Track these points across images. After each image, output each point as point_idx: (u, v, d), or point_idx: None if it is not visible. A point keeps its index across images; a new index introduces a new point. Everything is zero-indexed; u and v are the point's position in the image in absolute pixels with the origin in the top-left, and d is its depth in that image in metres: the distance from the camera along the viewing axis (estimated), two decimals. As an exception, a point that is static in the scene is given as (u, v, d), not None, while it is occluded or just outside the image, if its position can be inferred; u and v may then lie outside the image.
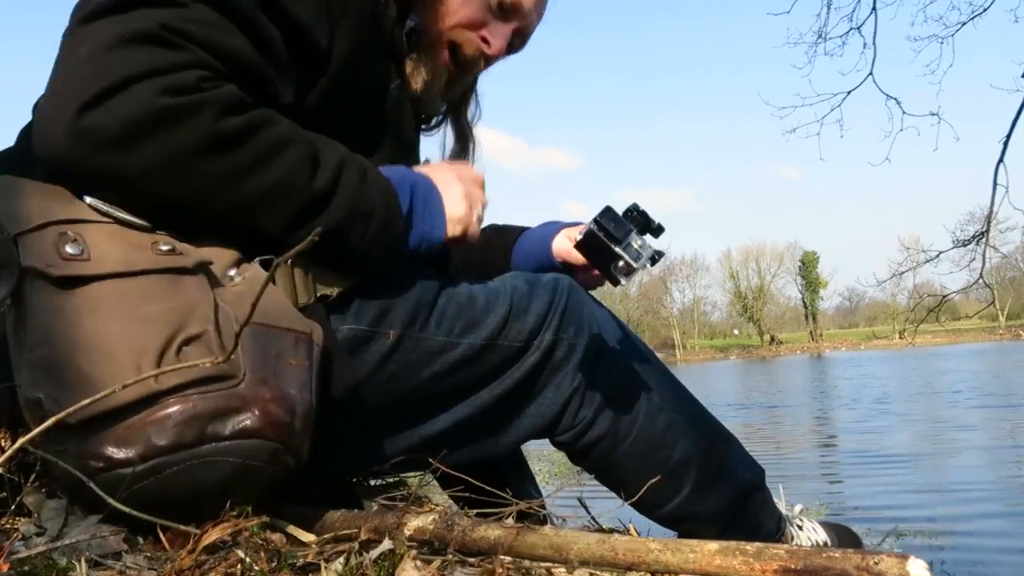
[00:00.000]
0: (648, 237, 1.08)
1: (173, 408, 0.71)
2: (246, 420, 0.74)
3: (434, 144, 1.31)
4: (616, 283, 1.07)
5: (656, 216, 1.10)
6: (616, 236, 1.04)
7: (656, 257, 1.05)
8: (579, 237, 1.05)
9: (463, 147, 1.29)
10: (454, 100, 1.25)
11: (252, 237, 0.87)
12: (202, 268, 0.82)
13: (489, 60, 1.16)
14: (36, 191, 0.81)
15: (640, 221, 1.07)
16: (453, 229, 1.01)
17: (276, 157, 0.84)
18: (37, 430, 0.65)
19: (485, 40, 1.13)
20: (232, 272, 0.84)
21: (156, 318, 0.75)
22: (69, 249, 0.76)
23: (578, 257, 1.16)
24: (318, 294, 0.92)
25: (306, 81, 0.94)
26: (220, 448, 0.73)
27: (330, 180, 0.88)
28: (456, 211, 1.01)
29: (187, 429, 0.71)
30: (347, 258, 0.93)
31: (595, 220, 1.04)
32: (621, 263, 1.03)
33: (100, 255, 0.77)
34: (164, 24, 0.78)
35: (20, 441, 0.64)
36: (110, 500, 0.69)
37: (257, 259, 0.87)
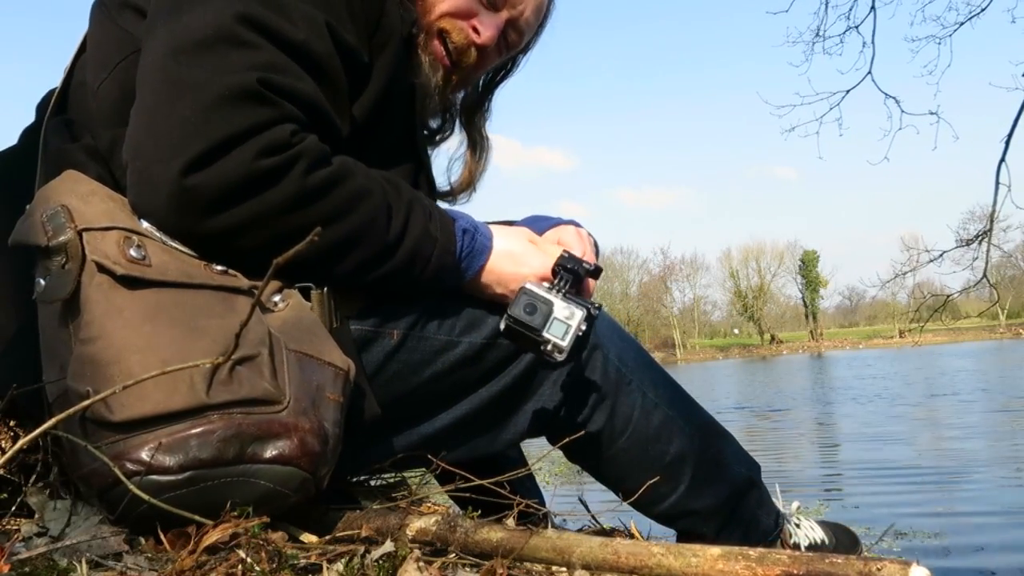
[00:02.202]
0: (586, 285, 1.04)
1: (218, 424, 0.72)
2: (285, 447, 0.75)
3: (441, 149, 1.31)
4: (553, 361, 0.99)
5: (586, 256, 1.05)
6: (533, 325, 0.97)
7: (592, 314, 0.99)
8: (501, 328, 0.99)
9: (473, 153, 1.29)
10: (452, 98, 1.25)
11: (318, 278, 0.89)
12: (253, 291, 0.83)
13: (482, 52, 1.15)
14: (104, 195, 0.83)
15: (567, 278, 1.02)
16: (490, 288, 1.03)
17: (355, 209, 0.87)
18: (56, 418, 0.66)
19: (475, 29, 1.12)
20: (276, 298, 0.86)
21: (212, 333, 0.76)
22: (133, 252, 0.78)
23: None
24: (345, 316, 0.94)
25: (353, 100, 0.95)
26: (254, 470, 0.74)
27: (400, 229, 0.91)
28: (489, 284, 1.03)
29: (228, 446, 0.72)
30: (393, 291, 0.97)
31: (507, 315, 0.98)
32: (548, 347, 0.97)
33: (161, 264, 0.79)
34: (260, 79, 0.80)
35: (44, 426, 0.64)
36: (156, 502, 0.69)
37: (297, 286, 0.89)
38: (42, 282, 0.77)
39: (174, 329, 0.75)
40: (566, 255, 1.04)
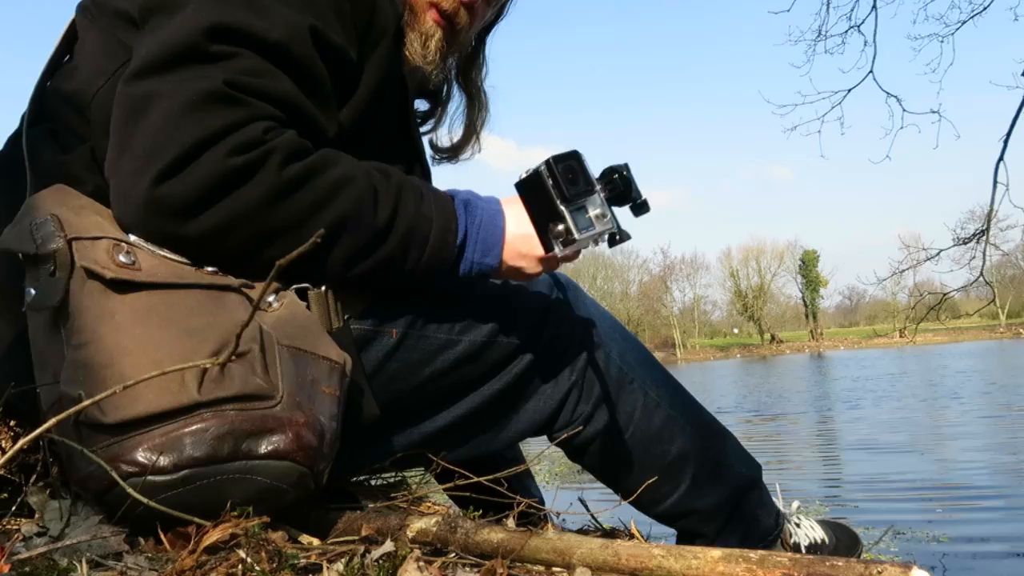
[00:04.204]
0: (623, 211, 0.90)
1: (211, 421, 0.72)
2: (280, 442, 0.74)
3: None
4: (548, 249, 0.85)
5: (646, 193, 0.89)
6: (566, 192, 0.82)
7: (617, 238, 0.86)
8: (523, 175, 0.85)
9: (472, 107, 1.27)
10: (448, 65, 1.23)
11: (311, 272, 0.88)
12: (244, 289, 0.83)
13: (471, 9, 1.12)
14: (92, 207, 0.83)
15: (618, 187, 0.88)
16: (511, 259, 0.96)
17: (337, 196, 0.85)
18: (54, 420, 0.65)
19: None
20: (271, 297, 0.86)
21: (203, 332, 0.76)
22: (122, 258, 0.78)
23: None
24: (346, 316, 0.93)
25: (343, 99, 0.94)
26: (250, 466, 0.74)
27: (390, 212, 0.89)
28: (518, 246, 0.95)
29: (223, 443, 0.72)
30: (395, 282, 0.95)
31: (548, 162, 0.83)
32: (560, 227, 0.82)
33: (150, 267, 0.79)
34: (226, 81, 0.79)
35: (39, 430, 0.64)
36: (154, 504, 0.69)
37: (293, 287, 0.88)
38: (32, 291, 0.77)
39: (166, 330, 0.75)
40: (627, 166, 0.91)
